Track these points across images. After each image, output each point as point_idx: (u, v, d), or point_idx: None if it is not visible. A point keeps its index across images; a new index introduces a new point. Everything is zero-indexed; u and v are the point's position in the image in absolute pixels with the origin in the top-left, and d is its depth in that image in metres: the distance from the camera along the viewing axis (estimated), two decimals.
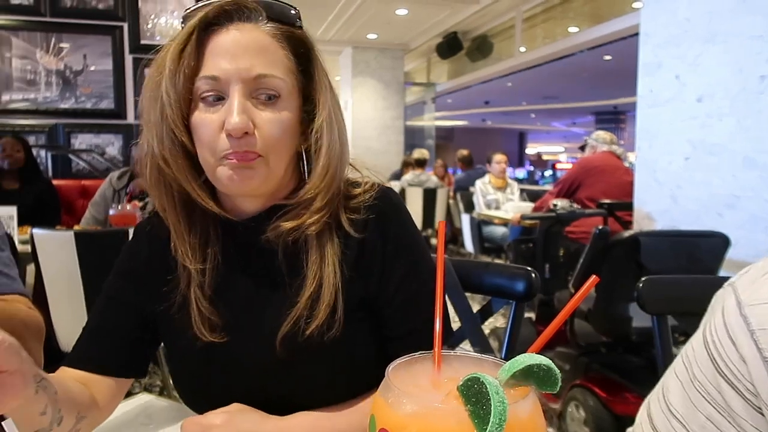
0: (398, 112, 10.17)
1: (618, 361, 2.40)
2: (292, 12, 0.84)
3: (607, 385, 2.28)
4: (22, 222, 3.25)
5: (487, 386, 0.46)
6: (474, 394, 0.47)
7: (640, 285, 1.09)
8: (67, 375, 0.85)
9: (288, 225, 0.83)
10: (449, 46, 9.17)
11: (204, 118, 0.78)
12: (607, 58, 9.17)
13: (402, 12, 8.16)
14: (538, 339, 0.55)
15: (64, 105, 4.78)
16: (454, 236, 7.26)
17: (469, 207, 6.12)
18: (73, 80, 4.79)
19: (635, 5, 6.17)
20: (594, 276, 0.56)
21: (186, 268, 0.85)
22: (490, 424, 0.44)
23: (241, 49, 0.77)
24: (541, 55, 7.88)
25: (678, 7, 2.84)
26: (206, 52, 0.78)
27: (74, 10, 4.73)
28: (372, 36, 9.40)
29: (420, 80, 11.95)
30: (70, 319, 2.40)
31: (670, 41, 2.90)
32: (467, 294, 1.20)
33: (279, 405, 0.81)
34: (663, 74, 2.94)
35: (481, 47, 9.05)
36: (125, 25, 4.80)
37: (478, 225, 5.52)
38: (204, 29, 0.78)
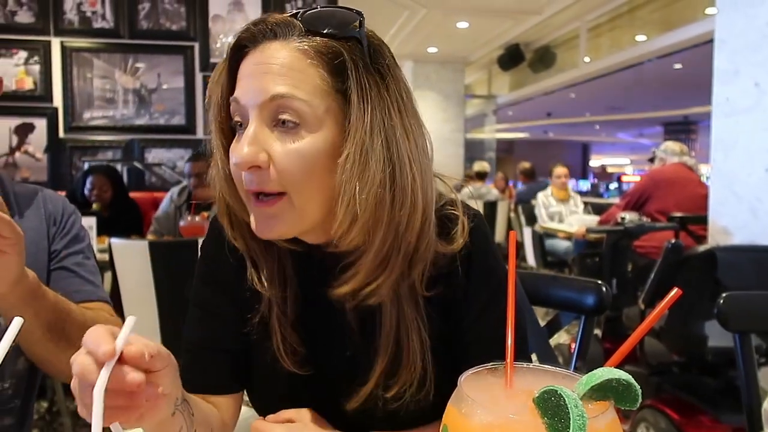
0: (458, 125, 10.13)
1: (692, 382, 2.28)
2: (345, 17, 0.72)
3: (681, 406, 2.18)
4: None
5: (566, 399, 0.45)
6: (551, 407, 0.46)
7: (721, 301, 1.03)
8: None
9: (343, 290, 0.73)
10: (511, 57, 9.07)
11: (232, 148, 0.72)
12: (678, 66, 8.83)
13: (463, 25, 8.15)
14: (616, 353, 0.53)
15: (139, 121, 5.03)
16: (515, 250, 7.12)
17: (531, 220, 6.01)
18: (147, 98, 5.05)
19: (708, 11, 5.92)
20: (676, 289, 0.54)
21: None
22: None
23: (261, 69, 0.69)
24: (607, 65, 7.68)
25: (757, 12, 2.71)
26: (237, 77, 0.73)
27: (150, 31, 4.98)
28: (432, 49, 9.43)
29: (480, 92, 11.87)
30: (143, 325, 2.50)
31: (749, 47, 2.76)
32: (533, 307, 1.18)
33: None
34: (741, 82, 2.80)
35: (544, 58, 8.91)
36: (196, 45, 5.02)
37: (540, 238, 5.42)
38: (237, 52, 0.73)
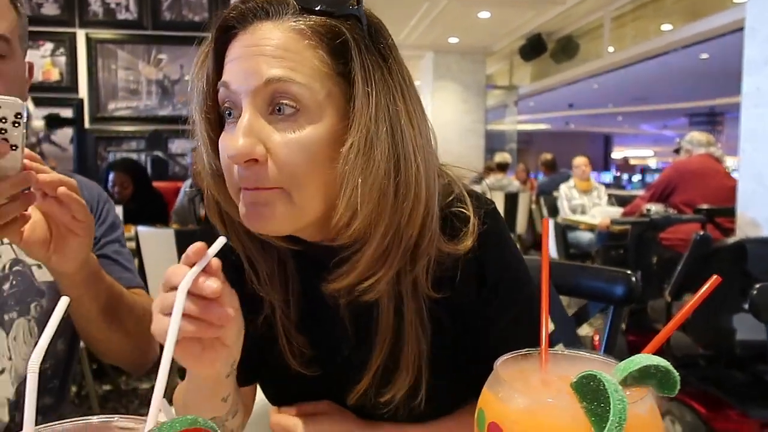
0: (479, 116, 10.06)
1: (720, 376, 2.26)
2: None
3: (707, 400, 2.15)
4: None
5: (605, 384, 0.45)
6: (590, 392, 0.46)
7: (754, 292, 1.01)
8: None
9: (339, 286, 0.68)
10: (533, 47, 8.96)
11: (222, 139, 0.66)
12: (704, 56, 8.66)
13: (484, 15, 8.07)
14: (654, 339, 0.53)
15: (163, 112, 5.09)
16: (536, 242, 7.10)
17: (553, 212, 5.97)
18: (170, 89, 5.10)
19: (737, 0, 5.80)
20: (715, 276, 0.54)
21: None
22: (609, 422, 0.43)
23: (253, 51, 0.63)
24: (631, 55, 7.56)
25: None
26: (224, 61, 0.66)
27: (173, 22, 5.03)
28: (453, 40, 9.36)
29: (502, 83, 11.76)
30: None
31: None
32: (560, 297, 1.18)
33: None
34: None
35: (567, 48, 8.79)
36: None
37: (562, 230, 5.37)
38: (224, 33, 0.67)
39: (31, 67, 0.94)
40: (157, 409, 0.39)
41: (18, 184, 0.67)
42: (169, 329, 0.49)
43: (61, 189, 0.73)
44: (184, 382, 0.72)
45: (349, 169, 0.63)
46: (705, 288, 0.52)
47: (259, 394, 0.91)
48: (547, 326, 0.58)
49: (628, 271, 1.08)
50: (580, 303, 1.19)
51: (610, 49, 7.95)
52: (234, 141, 0.61)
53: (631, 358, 0.49)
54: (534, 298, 0.75)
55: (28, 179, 0.69)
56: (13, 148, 0.66)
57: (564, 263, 1.22)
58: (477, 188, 0.82)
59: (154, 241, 2.57)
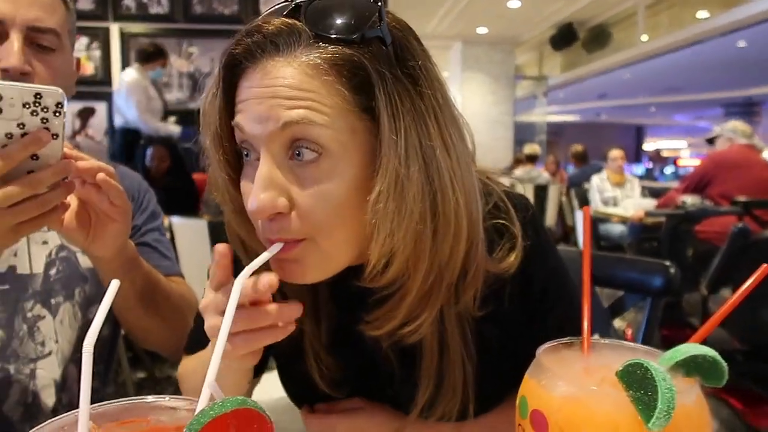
0: (507, 107, 9.96)
1: (757, 371, 2.21)
2: (359, 12, 0.58)
3: (744, 396, 2.11)
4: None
5: (653, 372, 0.44)
6: (636, 380, 0.45)
7: None
8: None
9: (377, 332, 0.66)
10: (563, 37, 8.83)
11: (243, 185, 0.62)
12: (742, 44, 8.42)
13: (514, 4, 7.97)
14: (701, 329, 0.52)
15: (194, 105, 5.13)
16: (565, 234, 7.01)
17: (584, 204, 5.89)
18: (201, 82, 5.16)
19: None
20: (765, 265, 0.53)
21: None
22: (657, 410, 0.43)
23: (265, 93, 0.57)
24: (666, 44, 7.41)
25: None
26: (236, 99, 0.61)
27: (203, 16, 5.08)
28: (482, 30, 9.26)
29: (531, 74, 11.61)
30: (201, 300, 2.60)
31: None
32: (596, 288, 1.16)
33: None
34: None
35: (599, 37, 8.64)
36: None
37: (593, 222, 5.30)
38: (231, 69, 0.61)
39: (78, 61, 0.96)
40: (209, 390, 0.40)
41: (59, 172, 0.69)
42: (224, 319, 0.49)
43: (100, 175, 0.75)
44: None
45: (379, 219, 0.58)
46: (755, 277, 0.51)
47: (280, 391, 0.91)
48: (589, 315, 0.57)
49: (667, 262, 1.07)
50: (614, 296, 1.18)
51: (644, 37, 7.79)
52: (255, 195, 0.57)
53: (677, 348, 0.48)
54: (574, 293, 0.76)
55: (68, 167, 0.70)
56: (54, 136, 0.67)
57: (600, 254, 1.20)
58: (505, 180, 0.80)
59: (188, 231, 2.62)
